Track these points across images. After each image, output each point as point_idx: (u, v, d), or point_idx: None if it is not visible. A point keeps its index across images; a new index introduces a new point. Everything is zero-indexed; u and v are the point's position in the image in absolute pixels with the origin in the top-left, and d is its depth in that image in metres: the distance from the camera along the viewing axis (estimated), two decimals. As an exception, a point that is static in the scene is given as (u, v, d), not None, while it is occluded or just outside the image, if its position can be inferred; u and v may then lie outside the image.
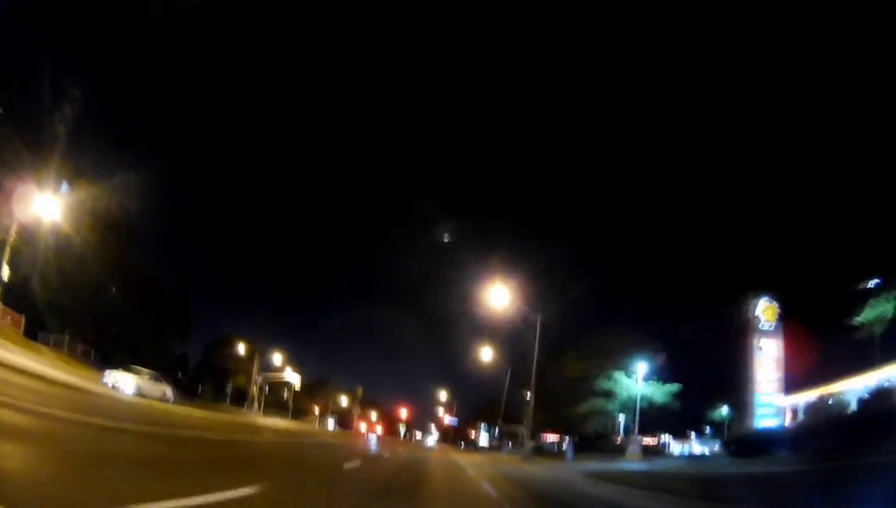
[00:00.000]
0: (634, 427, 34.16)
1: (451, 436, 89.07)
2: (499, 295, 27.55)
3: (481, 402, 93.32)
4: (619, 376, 37.32)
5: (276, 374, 50.93)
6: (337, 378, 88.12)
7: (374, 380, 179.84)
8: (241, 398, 58.87)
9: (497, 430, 51.31)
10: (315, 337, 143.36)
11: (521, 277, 28.99)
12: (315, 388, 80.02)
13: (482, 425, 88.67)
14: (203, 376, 58.19)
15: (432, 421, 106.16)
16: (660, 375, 37.03)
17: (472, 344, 47.73)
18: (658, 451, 38.19)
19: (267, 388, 59.66)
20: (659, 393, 36.67)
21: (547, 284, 35.57)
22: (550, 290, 34.26)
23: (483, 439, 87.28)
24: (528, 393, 29.30)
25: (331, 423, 70.75)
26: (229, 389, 52.30)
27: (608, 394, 38.04)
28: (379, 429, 47.84)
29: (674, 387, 36.98)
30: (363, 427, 49.00)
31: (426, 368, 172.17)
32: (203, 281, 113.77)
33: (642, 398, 35.67)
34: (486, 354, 44.80)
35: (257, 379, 49.55)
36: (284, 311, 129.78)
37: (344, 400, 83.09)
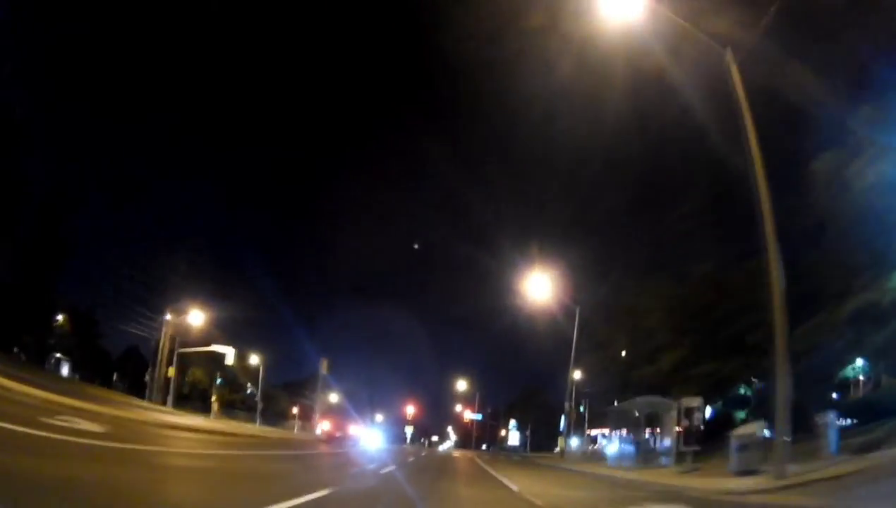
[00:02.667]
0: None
1: (474, 437, 72.39)
2: None
3: (511, 394, 79.01)
4: None
5: (197, 349, 34.20)
6: (337, 376, 73.75)
7: (380, 379, 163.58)
8: (200, 395, 44.14)
9: (563, 420, 32.01)
10: (316, 337, 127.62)
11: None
12: (300, 388, 65.88)
13: (512, 422, 72.79)
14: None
15: (449, 421, 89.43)
16: None
17: (511, 284, 30.67)
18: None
19: (218, 379, 43.40)
20: None
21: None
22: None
23: (513, 438, 71.52)
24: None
25: (317, 426, 54.67)
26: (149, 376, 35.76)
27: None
28: (354, 429, 30.42)
29: None
30: (326, 425, 31.26)
31: (439, 359, 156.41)
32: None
33: None
34: (538, 289, 26.95)
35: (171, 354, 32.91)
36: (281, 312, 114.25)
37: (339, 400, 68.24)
